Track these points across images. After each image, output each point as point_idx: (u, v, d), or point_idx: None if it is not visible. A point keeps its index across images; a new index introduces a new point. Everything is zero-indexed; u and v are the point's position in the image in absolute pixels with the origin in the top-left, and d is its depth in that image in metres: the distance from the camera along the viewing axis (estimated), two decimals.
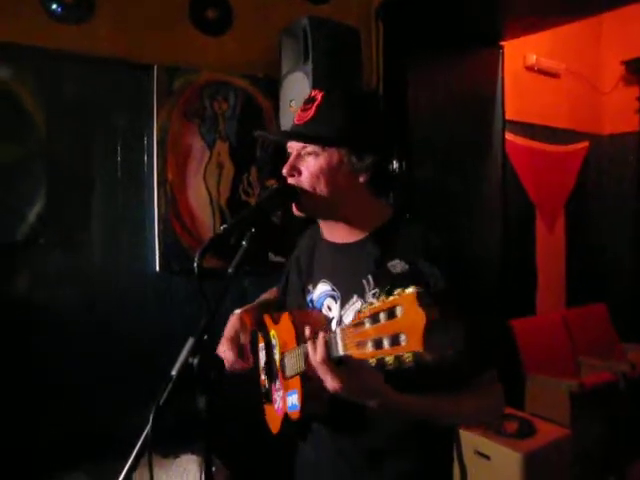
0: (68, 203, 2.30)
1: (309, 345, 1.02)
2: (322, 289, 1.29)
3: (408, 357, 0.80)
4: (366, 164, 1.18)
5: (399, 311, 0.82)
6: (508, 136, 3.81)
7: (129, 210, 2.41)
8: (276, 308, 1.50)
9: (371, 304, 0.87)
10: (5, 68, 2.15)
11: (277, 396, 1.34)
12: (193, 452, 2.22)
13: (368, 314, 0.87)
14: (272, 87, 2.63)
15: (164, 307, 2.43)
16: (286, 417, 1.28)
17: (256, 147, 2.65)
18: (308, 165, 1.19)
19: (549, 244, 4.37)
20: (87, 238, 2.33)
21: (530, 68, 4.24)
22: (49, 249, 2.24)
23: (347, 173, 1.19)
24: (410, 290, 0.81)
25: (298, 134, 1.21)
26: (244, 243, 1.14)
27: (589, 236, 4.70)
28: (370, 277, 1.17)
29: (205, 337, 1.04)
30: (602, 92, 4.78)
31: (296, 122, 1.22)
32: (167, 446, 2.26)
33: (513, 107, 3.85)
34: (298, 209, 1.23)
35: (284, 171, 1.22)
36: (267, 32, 2.65)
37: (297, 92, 2.44)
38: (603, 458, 3.27)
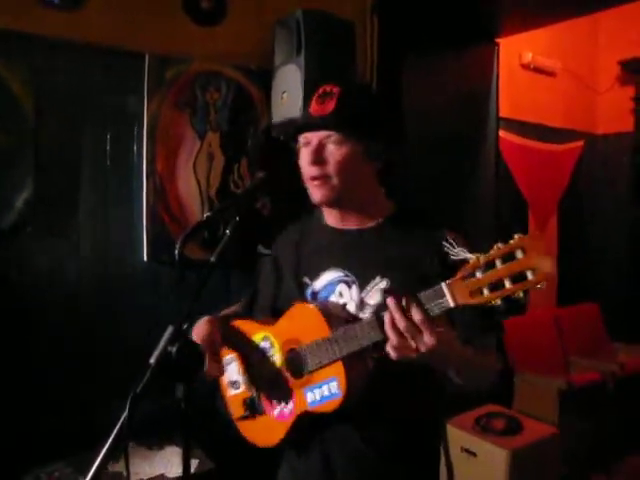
0: (56, 191, 2.28)
1: (392, 310, 1.03)
2: (330, 277, 1.30)
3: (542, 285, 0.94)
4: (380, 154, 1.27)
5: (520, 253, 0.94)
6: (502, 134, 3.81)
7: (117, 199, 2.39)
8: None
9: (478, 256, 0.98)
10: None
11: (275, 402, 1.31)
12: (177, 444, 2.22)
13: (480, 264, 0.97)
14: (264, 79, 2.61)
15: (152, 296, 2.42)
16: (299, 419, 1.25)
17: (247, 138, 2.63)
18: (334, 154, 1.22)
19: None
20: (75, 227, 2.31)
21: (526, 66, 4.24)
22: (37, 237, 2.22)
23: (365, 162, 1.26)
24: (531, 233, 0.93)
25: (328, 121, 1.22)
26: (228, 232, 1.13)
27: (582, 235, 4.71)
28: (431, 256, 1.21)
29: (185, 326, 1.04)
30: (597, 92, 4.78)
31: (314, 114, 1.24)
32: (151, 438, 2.25)
33: (508, 105, 3.85)
34: (320, 193, 1.25)
35: (309, 159, 1.23)
36: (261, 24, 2.63)
37: (289, 84, 2.42)
38: (590, 457, 3.29)
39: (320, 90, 1.26)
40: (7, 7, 2.14)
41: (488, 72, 3.57)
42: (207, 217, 1.13)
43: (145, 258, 2.42)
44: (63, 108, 2.28)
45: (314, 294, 1.31)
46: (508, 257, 0.96)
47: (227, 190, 2.59)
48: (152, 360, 1.01)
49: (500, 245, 0.97)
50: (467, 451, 2.82)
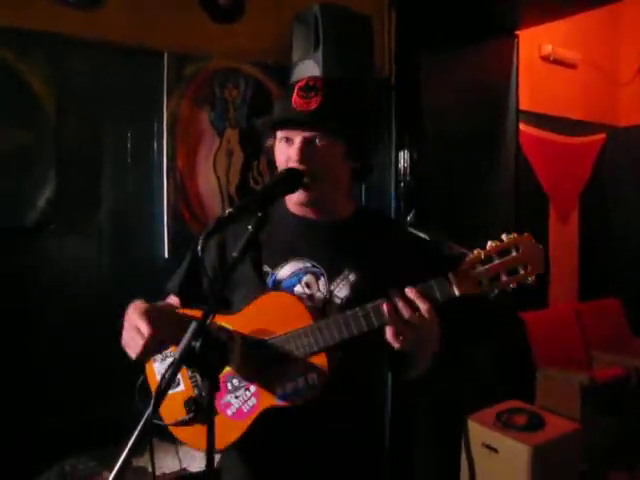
0: (77, 189, 2.30)
1: (397, 301, 1.09)
2: (296, 266, 1.27)
3: (531, 279, 1.09)
4: (361, 154, 1.28)
5: (514, 250, 1.09)
6: (522, 127, 3.77)
7: (138, 196, 2.41)
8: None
9: (479, 251, 1.10)
10: (16, 54, 2.15)
11: (233, 399, 1.24)
12: None
13: (481, 257, 1.09)
14: (283, 74, 2.61)
15: None
16: (261, 416, 1.20)
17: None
18: (319, 151, 1.21)
19: (562, 236, 4.33)
20: (96, 224, 2.34)
21: (545, 58, 4.18)
22: (59, 234, 2.25)
23: (345, 161, 1.26)
24: (525, 234, 1.10)
25: (312, 120, 1.20)
26: (249, 228, 1.13)
27: (604, 228, 4.64)
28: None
29: (208, 321, 1.04)
30: (619, 83, 4.70)
31: (299, 109, 1.21)
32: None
33: (527, 98, 3.81)
34: (305, 193, 1.24)
35: (295, 157, 1.21)
36: (278, 20, 2.64)
37: None
38: (613, 453, 3.25)
39: (302, 83, 1.23)
40: (28, 8, 2.16)
41: (507, 65, 3.53)
42: (229, 213, 1.11)
43: (166, 255, 2.45)
44: (84, 107, 2.30)
45: (276, 282, 1.27)
46: (504, 253, 1.10)
47: (246, 187, 2.60)
48: (176, 355, 1.01)
49: (495, 242, 1.10)
50: (488, 447, 2.80)
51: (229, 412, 1.25)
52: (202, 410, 1.24)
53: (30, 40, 2.16)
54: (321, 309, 1.23)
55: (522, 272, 1.09)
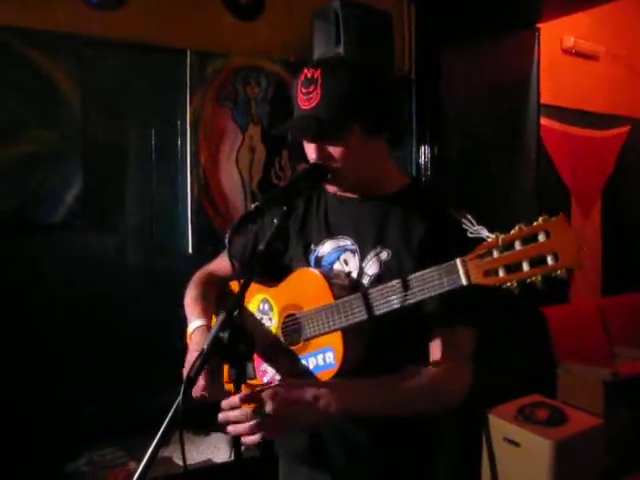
0: (103, 186, 2.36)
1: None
2: (336, 244, 1.29)
3: (562, 273, 0.90)
4: (381, 126, 1.22)
5: (542, 236, 0.91)
6: (543, 121, 3.73)
7: (163, 193, 2.46)
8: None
9: (498, 236, 0.95)
10: (44, 55, 2.20)
11: (269, 367, 1.29)
12: (223, 430, 2.27)
13: (499, 243, 0.94)
14: None
15: None
16: None
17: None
18: (336, 148, 1.20)
19: (585, 230, 4.28)
20: (122, 220, 2.39)
21: (567, 51, 4.13)
22: (85, 230, 2.31)
23: (367, 140, 1.21)
24: (559, 216, 0.93)
25: (320, 125, 1.17)
26: (276, 221, 1.16)
27: (627, 223, 4.58)
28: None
29: (235, 312, 1.06)
30: None
31: (303, 108, 1.20)
32: (198, 423, 2.31)
33: (549, 91, 3.76)
34: (334, 185, 1.25)
35: (314, 157, 1.22)
36: (299, 16, 2.66)
37: None
38: (636, 448, 3.22)
39: (302, 76, 1.21)
40: (54, 9, 2.21)
41: (528, 58, 3.50)
42: (255, 207, 1.13)
43: (190, 250, 2.49)
44: (109, 105, 2.35)
45: (318, 259, 1.30)
46: (530, 239, 0.92)
47: (269, 182, 2.63)
48: (204, 345, 1.04)
49: (523, 226, 0.94)
50: (510, 441, 2.80)
51: (265, 379, 1.29)
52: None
53: (56, 41, 2.22)
54: (351, 286, 1.22)
55: (551, 263, 0.90)
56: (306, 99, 1.18)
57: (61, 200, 2.26)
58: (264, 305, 1.32)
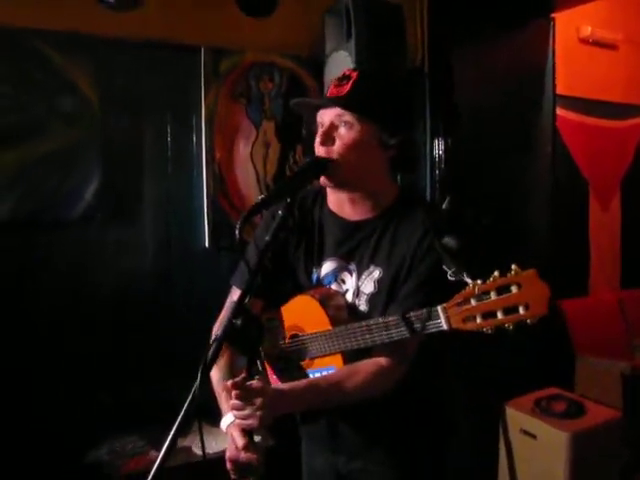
0: (121, 182, 2.41)
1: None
2: (334, 265, 1.34)
3: (532, 320, 1.01)
4: (394, 142, 1.25)
5: (515, 288, 1.01)
6: (559, 111, 3.70)
7: (179, 188, 2.51)
8: None
9: (475, 285, 1.04)
10: (62, 55, 2.26)
11: (278, 376, 1.37)
12: None
13: (475, 293, 1.04)
14: (316, 66, 2.66)
15: (213, 281, 2.51)
16: None
17: (302, 126, 2.69)
18: (342, 136, 1.24)
19: (603, 223, 4.23)
20: (139, 215, 2.44)
21: (584, 40, 4.07)
22: (103, 226, 2.36)
23: (376, 148, 1.26)
24: (530, 270, 1.01)
25: (340, 101, 1.24)
26: (280, 212, 1.19)
27: None
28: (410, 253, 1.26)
29: (247, 300, 1.10)
30: None
31: (330, 96, 1.26)
32: (215, 414, 2.36)
33: (565, 81, 3.72)
34: (328, 180, 1.27)
35: (318, 139, 1.26)
36: (311, 12, 2.67)
37: (341, 70, 2.43)
38: None
39: (340, 74, 1.28)
40: (72, 11, 2.26)
41: (544, 49, 3.47)
42: (262, 199, 1.16)
43: (207, 244, 2.53)
44: (126, 103, 2.40)
45: (319, 279, 1.35)
46: (503, 289, 1.02)
47: (283, 177, 2.65)
48: (218, 332, 1.07)
49: (497, 276, 1.03)
50: (526, 433, 2.79)
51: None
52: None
53: (75, 42, 2.27)
54: (346, 306, 1.30)
55: (522, 312, 1.01)
56: (335, 90, 1.25)
57: (80, 196, 2.32)
58: (272, 323, 1.38)
